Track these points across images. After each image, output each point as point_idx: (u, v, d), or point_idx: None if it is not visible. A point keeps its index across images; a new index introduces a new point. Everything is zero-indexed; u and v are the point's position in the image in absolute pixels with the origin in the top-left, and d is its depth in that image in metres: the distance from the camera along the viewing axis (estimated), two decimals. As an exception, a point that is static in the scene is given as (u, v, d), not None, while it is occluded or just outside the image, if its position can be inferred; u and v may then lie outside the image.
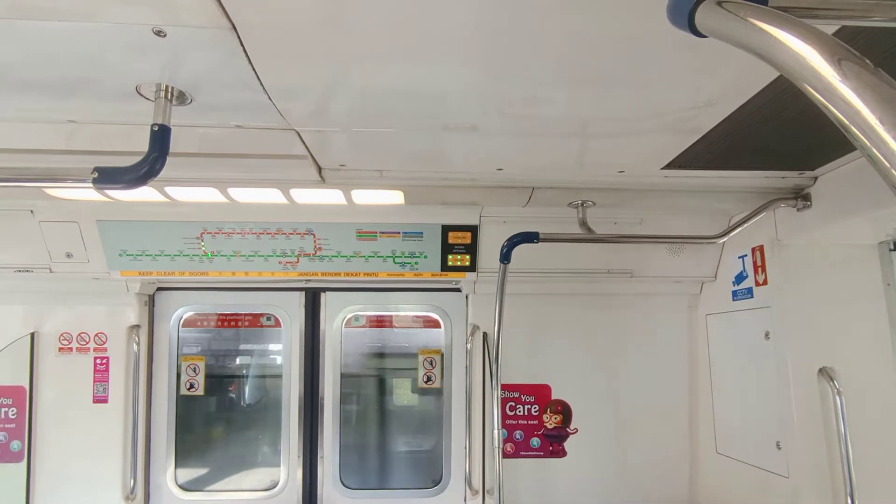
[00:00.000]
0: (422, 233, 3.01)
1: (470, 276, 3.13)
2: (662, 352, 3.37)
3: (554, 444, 3.33)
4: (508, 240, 2.63)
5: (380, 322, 3.50)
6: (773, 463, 2.64)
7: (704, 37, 0.82)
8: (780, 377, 2.58)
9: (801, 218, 2.49)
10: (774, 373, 2.62)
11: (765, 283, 2.71)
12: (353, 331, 3.45)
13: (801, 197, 2.45)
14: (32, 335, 3.12)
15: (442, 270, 3.09)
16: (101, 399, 3.12)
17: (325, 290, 3.37)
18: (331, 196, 2.58)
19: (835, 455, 2.42)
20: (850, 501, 2.34)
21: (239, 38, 1.30)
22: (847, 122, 0.60)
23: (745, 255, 2.85)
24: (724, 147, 2.05)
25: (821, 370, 2.49)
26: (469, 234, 3.02)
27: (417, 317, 3.50)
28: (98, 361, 3.14)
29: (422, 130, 1.93)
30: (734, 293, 2.98)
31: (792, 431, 2.52)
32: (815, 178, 2.40)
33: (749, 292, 2.84)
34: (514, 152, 2.15)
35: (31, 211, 2.83)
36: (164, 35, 1.28)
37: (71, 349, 3.14)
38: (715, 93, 1.61)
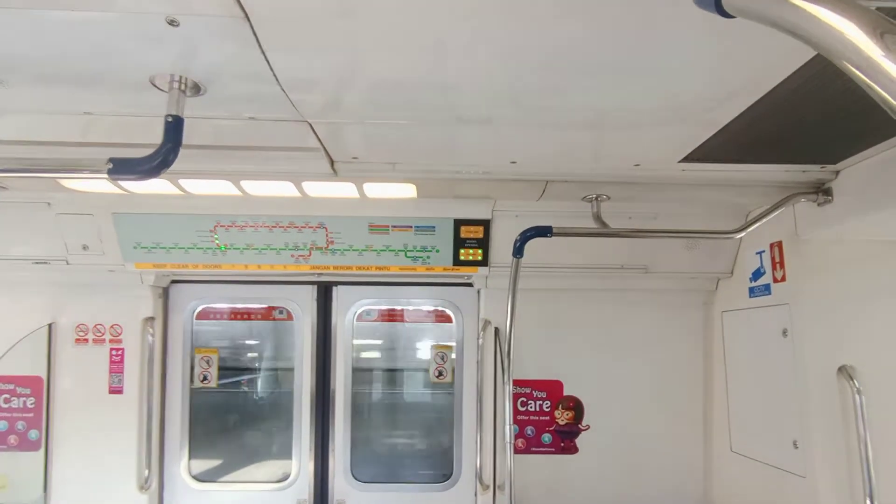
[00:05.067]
0: (434, 227, 2.99)
1: (482, 270, 3.11)
2: (677, 349, 3.32)
3: (566, 440, 3.31)
4: (521, 234, 2.61)
5: (391, 316, 3.50)
6: (789, 462, 2.60)
7: (731, 17, 0.79)
8: (798, 375, 2.53)
9: (821, 213, 2.43)
10: (792, 371, 2.57)
11: (783, 279, 2.65)
12: (364, 325, 3.45)
13: (821, 191, 2.40)
14: (50, 326, 3.17)
15: (454, 265, 3.07)
16: (116, 390, 3.16)
17: (337, 283, 3.38)
18: (343, 189, 2.57)
19: (854, 455, 2.38)
20: (869, 503, 2.29)
21: (252, 27, 1.30)
22: (893, 102, 0.56)
23: (763, 251, 2.79)
24: (743, 140, 2.00)
25: (840, 368, 2.44)
26: (481, 229, 3.00)
27: (429, 311, 3.49)
28: (113, 353, 3.18)
29: (435, 122, 1.91)
30: (751, 290, 2.92)
31: (810, 430, 2.48)
32: (837, 172, 2.34)
33: (767, 289, 2.79)
34: (528, 145, 2.13)
35: (49, 203, 2.86)
36: (178, 24, 1.28)
37: (87, 340, 3.18)
38: (736, 83, 1.57)
